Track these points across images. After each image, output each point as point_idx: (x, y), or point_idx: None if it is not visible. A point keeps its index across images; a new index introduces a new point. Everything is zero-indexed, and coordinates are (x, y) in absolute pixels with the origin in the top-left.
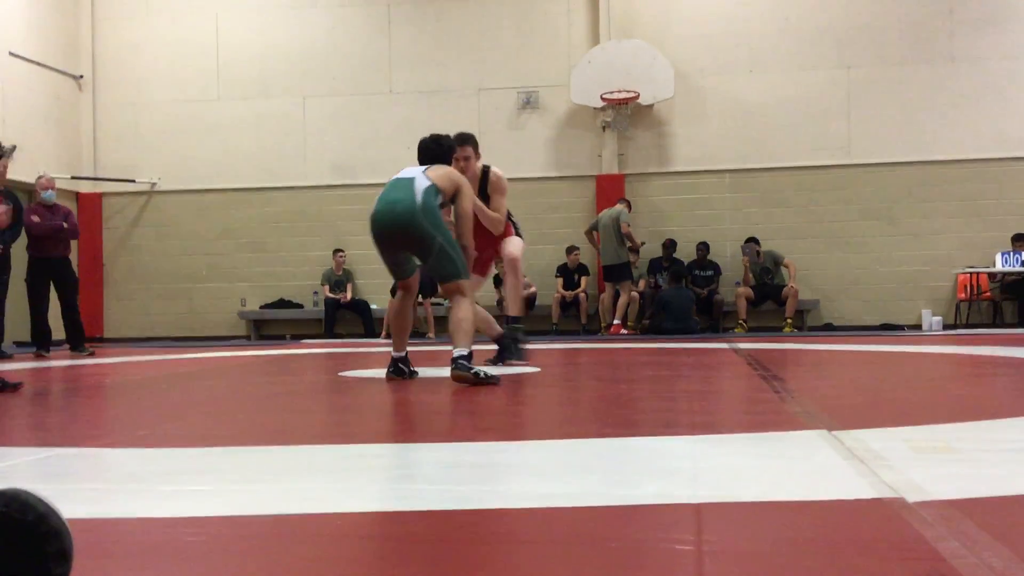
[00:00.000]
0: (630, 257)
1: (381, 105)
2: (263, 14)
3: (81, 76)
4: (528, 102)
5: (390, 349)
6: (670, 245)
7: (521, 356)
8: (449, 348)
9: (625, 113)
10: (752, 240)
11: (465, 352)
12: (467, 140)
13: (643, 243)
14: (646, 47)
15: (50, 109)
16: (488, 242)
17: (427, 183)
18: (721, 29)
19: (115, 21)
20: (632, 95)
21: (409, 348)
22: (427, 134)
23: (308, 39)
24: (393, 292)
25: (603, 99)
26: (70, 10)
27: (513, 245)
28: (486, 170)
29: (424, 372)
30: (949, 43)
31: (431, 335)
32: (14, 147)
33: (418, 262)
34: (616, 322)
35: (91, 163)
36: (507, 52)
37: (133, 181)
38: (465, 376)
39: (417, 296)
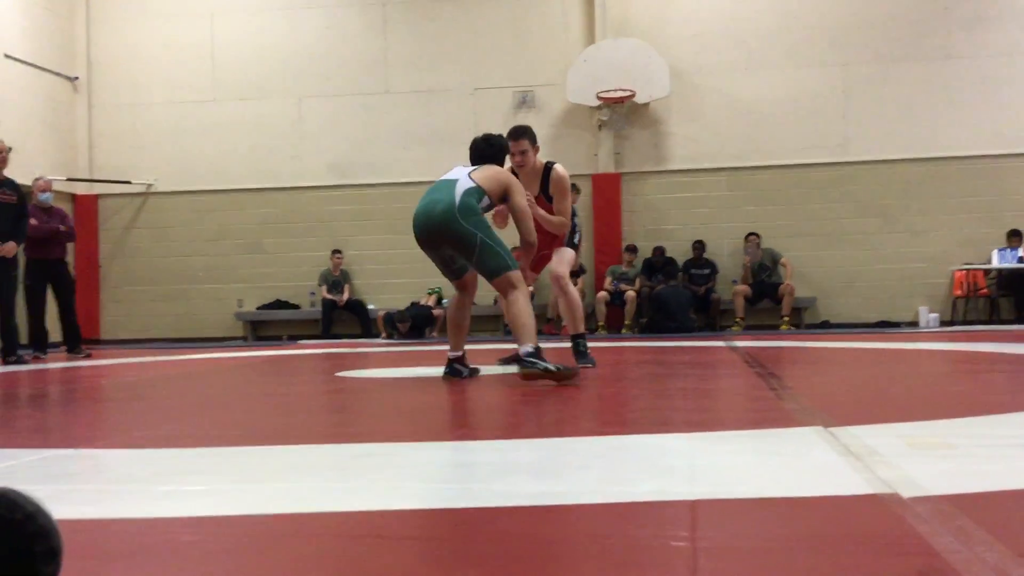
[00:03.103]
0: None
1: (377, 105)
2: (258, 15)
3: (76, 78)
4: (524, 101)
5: (394, 349)
6: (659, 252)
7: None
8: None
9: (621, 112)
10: (753, 234)
11: (531, 348)
12: (522, 133)
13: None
14: (642, 46)
15: (46, 111)
16: (546, 242)
17: (470, 184)
18: (717, 28)
19: (110, 23)
20: (628, 94)
21: (413, 348)
22: (423, 132)
23: (304, 40)
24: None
25: (599, 98)
26: (65, 12)
27: (558, 262)
28: (549, 167)
29: (424, 371)
30: (945, 40)
31: (434, 334)
32: (9, 148)
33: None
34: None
35: (87, 165)
36: (503, 52)
37: (129, 183)
38: (534, 373)
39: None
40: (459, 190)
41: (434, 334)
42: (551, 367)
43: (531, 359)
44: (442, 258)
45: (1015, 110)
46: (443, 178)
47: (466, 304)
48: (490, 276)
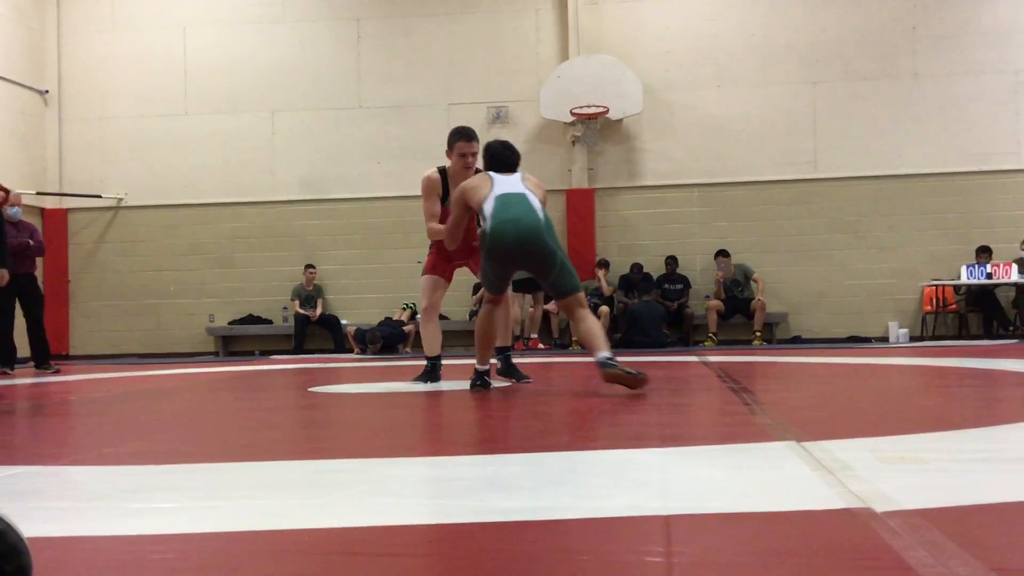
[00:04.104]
0: None
1: (350, 120)
2: (230, 29)
3: (47, 91)
4: (498, 117)
5: (367, 364)
6: (637, 269)
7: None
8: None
9: (594, 128)
10: (723, 252)
11: (608, 354)
12: (476, 136)
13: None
14: (615, 62)
15: (15, 124)
16: (465, 252)
17: (536, 198)
18: (689, 45)
19: (81, 36)
20: (601, 110)
21: (386, 364)
22: (396, 147)
23: (276, 54)
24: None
25: (572, 114)
26: (35, 25)
27: None
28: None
29: (397, 387)
30: (912, 59)
31: (407, 350)
32: None
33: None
34: (534, 336)
35: (57, 179)
36: (476, 67)
37: (99, 197)
38: (616, 374)
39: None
40: (536, 205)
41: (407, 350)
42: (632, 371)
43: (611, 362)
44: (507, 275)
45: (981, 128)
46: (507, 192)
47: (497, 316)
48: (562, 295)
